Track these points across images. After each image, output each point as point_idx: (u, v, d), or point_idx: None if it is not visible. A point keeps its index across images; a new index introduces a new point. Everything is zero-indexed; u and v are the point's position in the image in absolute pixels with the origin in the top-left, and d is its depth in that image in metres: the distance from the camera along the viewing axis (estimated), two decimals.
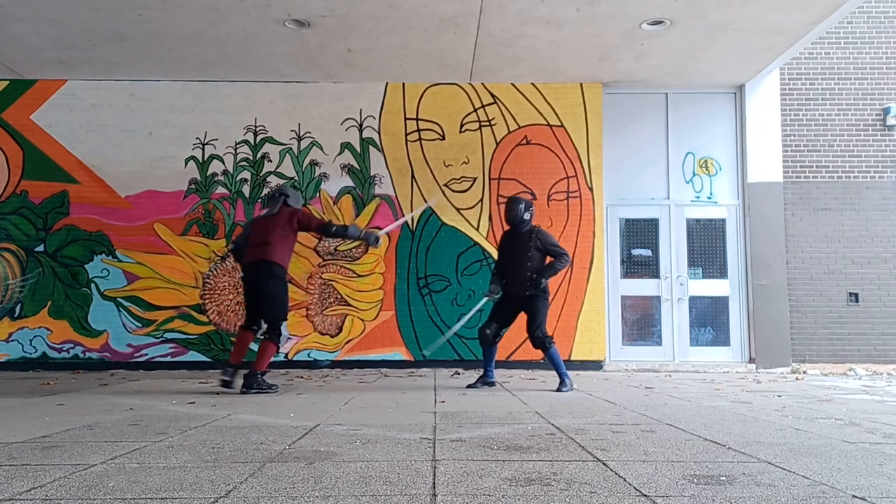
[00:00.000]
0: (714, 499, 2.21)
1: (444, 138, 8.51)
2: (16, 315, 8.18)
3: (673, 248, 8.63)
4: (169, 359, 8.17)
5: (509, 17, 6.74)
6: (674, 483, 2.43)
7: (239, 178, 8.44)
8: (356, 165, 8.48)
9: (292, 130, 8.50)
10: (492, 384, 6.12)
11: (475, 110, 8.55)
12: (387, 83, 8.55)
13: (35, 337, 8.15)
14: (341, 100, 8.53)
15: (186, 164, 8.41)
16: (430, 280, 8.32)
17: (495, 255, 8.32)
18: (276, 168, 8.46)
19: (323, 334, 8.26)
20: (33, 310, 8.19)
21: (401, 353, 8.24)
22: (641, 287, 8.63)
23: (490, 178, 8.47)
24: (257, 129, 8.52)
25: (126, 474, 2.55)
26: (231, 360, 5.73)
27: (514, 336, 8.22)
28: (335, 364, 8.21)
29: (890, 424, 3.93)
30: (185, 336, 8.17)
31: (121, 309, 8.21)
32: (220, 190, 8.41)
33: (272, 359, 5.81)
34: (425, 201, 8.16)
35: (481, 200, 8.44)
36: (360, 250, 8.37)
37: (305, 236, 8.35)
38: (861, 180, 8.71)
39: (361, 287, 8.32)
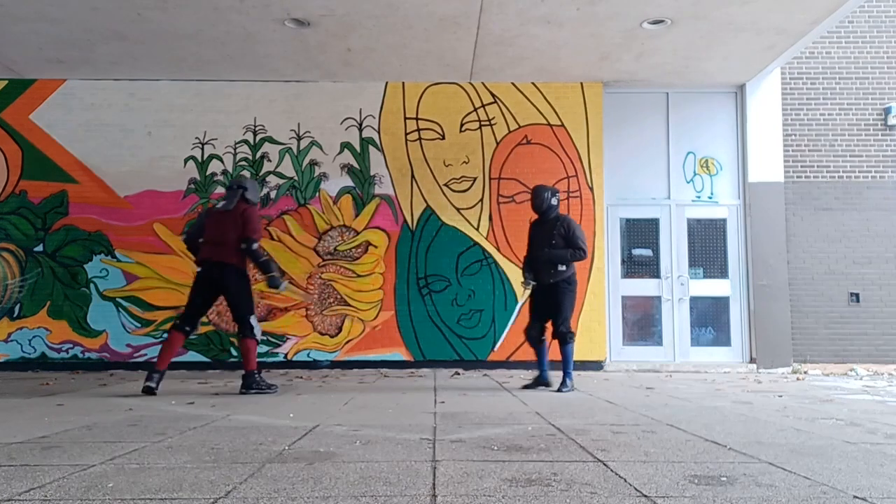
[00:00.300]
0: (715, 499, 2.20)
1: (444, 138, 8.50)
2: (15, 315, 8.18)
3: (673, 248, 8.62)
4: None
5: (509, 17, 6.73)
6: (674, 484, 2.42)
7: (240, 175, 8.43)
8: (356, 165, 8.47)
9: (292, 130, 8.50)
10: (549, 384, 5.97)
11: (475, 110, 8.54)
12: (387, 83, 8.54)
13: (34, 337, 8.14)
14: (341, 99, 8.52)
15: (186, 163, 8.40)
16: (430, 280, 8.32)
17: (495, 255, 8.36)
18: (276, 168, 8.45)
19: (322, 334, 8.25)
20: (32, 310, 8.18)
21: (401, 354, 8.23)
22: (642, 287, 8.62)
23: (490, 178, 8.46)
24: (257, 128, 8.51)
25: (125, 475, 2.54)
26: (157, 366, 5.41)
27: (514, 336, 8.22)
28: (335, 364, 8.20)
29: (891, 425, 3.92)
30: None
31: (120, 309, 8.20)
32: (220, 190, 8.39)
33: (268, 356, 5.72)
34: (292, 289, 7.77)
35: (481, 200, 8.43)
36: (359, 250, 8.36)
37: (306, 237, 8.35)
38: (862, 180, 8.69)
39: (361, 287, 8.31)
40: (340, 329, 8.25)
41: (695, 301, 8.57)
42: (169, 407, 4.62)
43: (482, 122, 8.52)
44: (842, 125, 8.78)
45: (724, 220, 8.69)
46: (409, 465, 2.71)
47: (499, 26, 6.94)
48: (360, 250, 8.35)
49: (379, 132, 8.51)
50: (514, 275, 8.31)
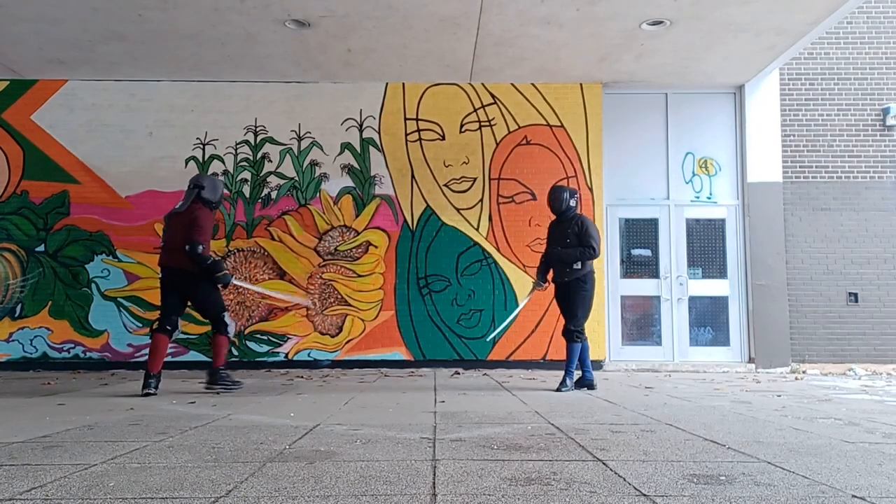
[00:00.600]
0: (714, 498, 2.22)
1: (444, 138, 8.51)
2: (16, 315, 8.19)
3: (672, 248, 8.63)
4: (169, 359, 8.13)
5: (509, 17, 6.74)
6: (673, 483, 2.43)
7: (239, 178, 8.45)
8: (356, 165, 8.48)
9: (292, 131, 8.51)
10: (592, 386, 5.91)
11: (475, 110, 8.55)
12: (387, 83, 8.55)
13: (35, 337, 8.15)
14: (341, 100, 8.54)
15: (187, 164, 8.42)
16: (430, 280, 8.33)
17: (495, 255, 8.37)
18: (277, 168, 8.46)
19: (323, 334, 8.26)
20: (34, 310, 8.19)
21: (401, 353, 8.25)
22: (641, 287, 8.63)
23: (490, 179, 8.47)
24: (257, 129, 8.52)
25: (126, 474, 2.55)
26: (150, 370, 5.35)
27: (515, 336, 8.24)
28: (335, 364, 8.22)
29: (889, 424, 3.93)
30: (185, 336, 8.15)
31: (121, 309, 8.21)
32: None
33: (228, 351, 5.71)
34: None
35: (481, 200, 8.45)
36: (359, 250, 8.37)
37: (306, 237, 8.36)
38: (861, 180, 8.71)
39: (361, 287, 8.32)
40: (341, 329, 8.26)
41: (694, 301, 8.59)
42: (170, 406, 4.64)
43: (482, 123, 8.53)
44: (840, 125, 8.79)
45: (723, 221, 8.71)
46: (410, 464, 2.73)
47: (499, 27, 6.96)
48: (360, 250, 8.36)
49: (379, 133, 8.52)
50: (514, 275, 8.33)
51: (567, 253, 5.80)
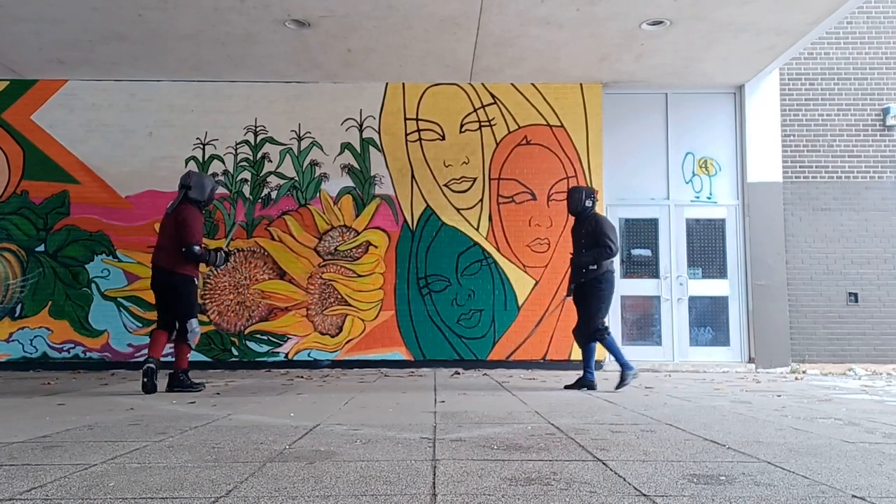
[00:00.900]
0: (713, 498, 2.22)
1: (444, 138, 8.51)
2: (16, 315, 8.19)
3: (672, 248, 8.64)
4: (169, 359, 8.14)
5: (509, 17, 6.75)
6: (673, 483, 2.43)
7: (239, 178, 8.45)
8: (356, 165, 8.48)
9: (292, 131, 8.51)
10: (592, 387, 5.89)
11: (475, 110, 8.55)
12: (387, 83, 8.55)
13: (35, 337, 8.16)
14: (341, 100, 8.54)
15: (187, 164, 8.42)
16: (430, 280, 8.33)
17: (495, 255, 8.38)
18: (277, 168, 8.46)
19: (323, 334, 8.26)
20: (34, 310, 8.19)
21: (401, 353, 8.25)
22: (641, 287, 8.63)
23: (490, 179, 8.48)
24: (257, 129, 8.52)
25: (126, 474, 2.55)
26: (150, 353, 5.45)
27: (515, 336, 8.25)
28: (335, 364, 8.22)
29: (889, 424, 3.93)
30: None
31: (121, 309, 8.21)
32: (221, 190, 8.41)
33: (189, 356, 5.75)
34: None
35: (481, 200, 8.45)
36: (359, 250, 8.38)
37: (306, 237, 8.36)
38: (860, 180, 8.71)
39: (361, 287, 8.32)
40: (341, 329, 8.26)
41: (694, 301, 8.59)
42: (170, 406, 4.64)
43: (482, 123, 8.53)
44: (840, 125, 8.79)
45: (723, 221, 8.71)
46: (410, 464, 2.73)
47: (499, 27, 6.96)
48: (360, 250, 8.37)
49: (379, 133, 8.52)
50: (514, 275, 8.34)
51: (584, 260, 5.77)
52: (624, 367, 5.73)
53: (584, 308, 5.84)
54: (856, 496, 2.26)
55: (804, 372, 8.33)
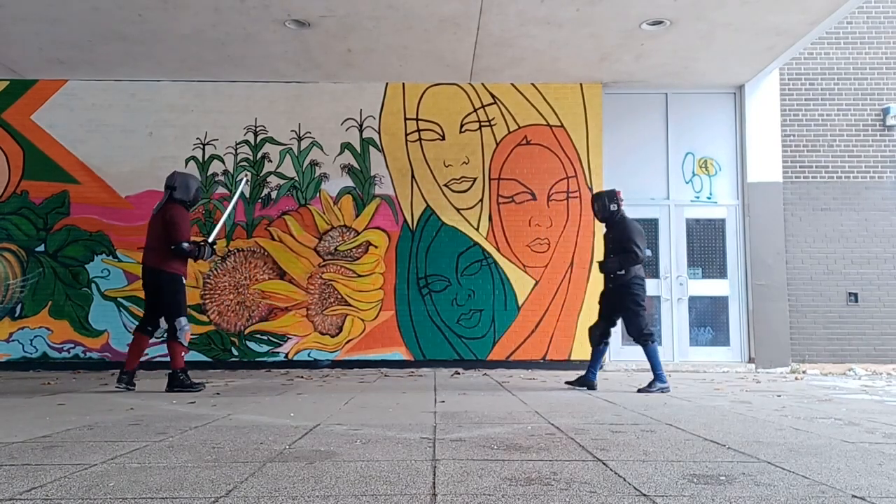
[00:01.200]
0: (713, 498, 2.22)
1: (444, 138, 8.51)
2: (16, 315, 8.19)
3: (672, 248, 8.64)
4: (169, 358, 8.16)
5: (509, 17, 6.75)
6: (673, 483, 2.43)
7: (239, 178, 8.45)
8: (356, 165, 8.48)
9: (292, 131, 8.51)
10: (592, 387, 5.90)
11: (475, 110, 8.56)
12: (387, 83, 8.55)
13: (35, 337, 8.16)
14: (341, 100, 8.54)
15: (187, 164, 8.42)
16: (430, 280, 8.33)
17: (495, 255, 8.38)
18: (277, 168, 8.47)
19: (323, 334, 8.26)
20: (34, 310, 8.20)
21: (401, 353, 8.25)
22: None
23: (490, 179, 8.48)
24: (257, 129, 8.52)
25: (126, 474, 2.55)
26: (126, 366, 5.62)
27: (515, 335, 8.25)
28: (335, 364, 8.22)
29: (889, 424, 3.93)
30: None
31: (121, 309, 8.21)
32: (221, 190, 8.42)
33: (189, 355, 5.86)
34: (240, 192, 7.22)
35: (481, 200, 8.45)
36: (359, 250, 8.38)
37: (306, 237, 8.36)
38: (860, 180, 8.71)
39: (361, 287, 8.32)
40: (341, 329, 8.26)
41: (693, 301, 8.59)
42: (170, 406, 4.64)
43: (482, 123, 8.53)
44: (840, 126, 8.79)
45: (723, 221, 8.71)
46: (410, 464, 2.73)
47: (499, 27, 6.96)
48: (360, 250, 8.36)
49: (379, 133, 8.52)
50: (514, 275, 8.33)
51: (610, 268, 5.75)
52: (658, 378, 5.69)
53: (619, 313, 5.83)
54: (856, 496, 2.26)
55: (804, 372, 8.33)
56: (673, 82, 8.56)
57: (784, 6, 6.52)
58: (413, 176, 8.47)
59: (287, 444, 3.18)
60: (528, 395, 5.41)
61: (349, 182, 8.47)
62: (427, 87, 8.58)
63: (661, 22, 6.86)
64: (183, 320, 5.59)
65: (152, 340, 5.75)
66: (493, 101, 8.57)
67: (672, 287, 8.56)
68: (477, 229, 8.42)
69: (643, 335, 5.68)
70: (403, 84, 8.56)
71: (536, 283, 8.32)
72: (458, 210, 8.43)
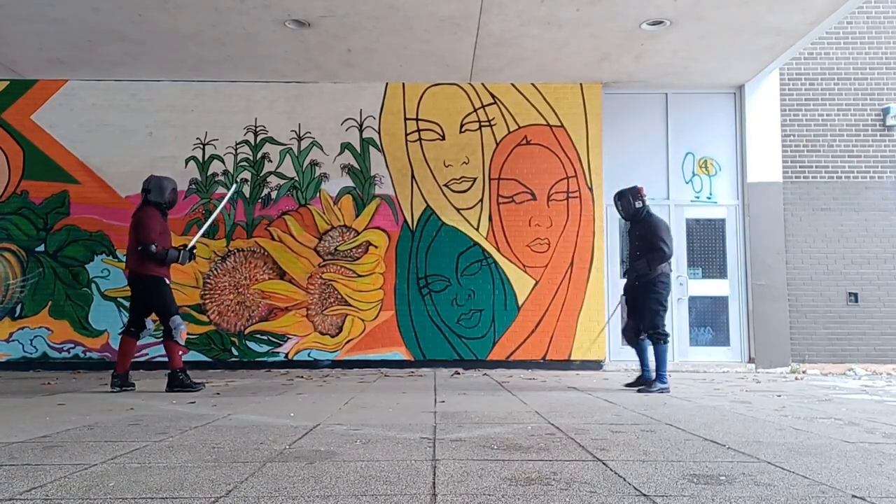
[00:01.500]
0: (713, 498, 2.22)
1: (444, 138, 8.51)
2: (16, 315, 8.19)
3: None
4: (168, 359, 8.16)
5: (509, 17, 6.75)
6: (673, 483, 2.43)
7: (239, 178, 8.45)
8: (356, 165, 8.48)
9: (292, 131, 8.51)
10: (658, 387, 5.77)
11: (475, 110, 8.55)
12: (387, 83, 8.55)
13: (35, 337, 8.16)
14: (341, 100, 8.54)
15: (187, 164, 8.42)
16: (430, 280, 8.33)
17: (495, 255, 8.38)
18: (277, 168, 8.47)
19: (323, 334, 8.26)
20: (34, 310, 8.19)
21: (401, 353, 8.25)
22: None
23: (490, 179, 8.48)
24: (257, 129, 8.52)
25: (126, 474, 2.55)
26: (117, 368, 5.65)
27: (515, 335, 8.25)
28: (335, 364, 8.22)
29: (889, 424, 3.93)
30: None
31: (121, 309, 8.21)
32: (221, 190, 8.41)
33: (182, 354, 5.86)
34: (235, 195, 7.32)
35: (481, 200, 8.45)
36: (359, 250, 8.38)
37: (306, 237, 8.36)
38: (861, 180, 8.71)
39: (361, 287, 8.32)
40: (341, 329, 8.26)
41: (694, 301, 8.59)
42: (170, 406, 4.64)
43: (482, 123, 8.53)
44: (840, 126, 8.79)
45: (723, 221, 8.71)
46: (410, 464, 2.73)
47: (499, 27, 6.96)
48: (360, 250, 8.36)
49: (379, 133, 8.52)
50: (514, 275, 8.34)
51: (638, 267, 5.76)
52: (660, 378, 5.70)
53: (641, 312, 5.83)
54: (856, 496, 2.26)
55: (804, 372, 8.33)
56: (673, 82, 8.56)
57: (784, 6, 6.52)
58: (413, 176, 8.47)
59: (287, 444, 3.18)
60: (528, 395, 5.41)
61: (349, 182, 8.47)
62: (427, 87, 8.58)
63: (660, 22, 6.86)
64: (177, 319, 5.60)
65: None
66: (493, 101, 8.57)
67: (672, 287, 8.55)
68: (477, 229, 8.42)
69: (658, 334, 5.71)
70: (403, 84, 8.56)
71: (536, 283, 8.32)
72: (458, 210, 8.43)
